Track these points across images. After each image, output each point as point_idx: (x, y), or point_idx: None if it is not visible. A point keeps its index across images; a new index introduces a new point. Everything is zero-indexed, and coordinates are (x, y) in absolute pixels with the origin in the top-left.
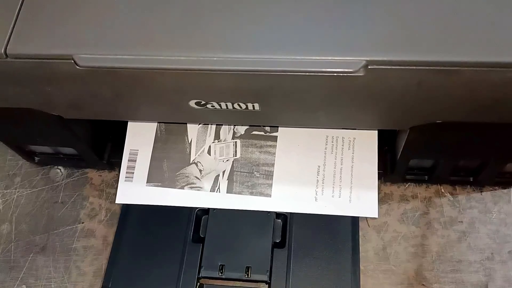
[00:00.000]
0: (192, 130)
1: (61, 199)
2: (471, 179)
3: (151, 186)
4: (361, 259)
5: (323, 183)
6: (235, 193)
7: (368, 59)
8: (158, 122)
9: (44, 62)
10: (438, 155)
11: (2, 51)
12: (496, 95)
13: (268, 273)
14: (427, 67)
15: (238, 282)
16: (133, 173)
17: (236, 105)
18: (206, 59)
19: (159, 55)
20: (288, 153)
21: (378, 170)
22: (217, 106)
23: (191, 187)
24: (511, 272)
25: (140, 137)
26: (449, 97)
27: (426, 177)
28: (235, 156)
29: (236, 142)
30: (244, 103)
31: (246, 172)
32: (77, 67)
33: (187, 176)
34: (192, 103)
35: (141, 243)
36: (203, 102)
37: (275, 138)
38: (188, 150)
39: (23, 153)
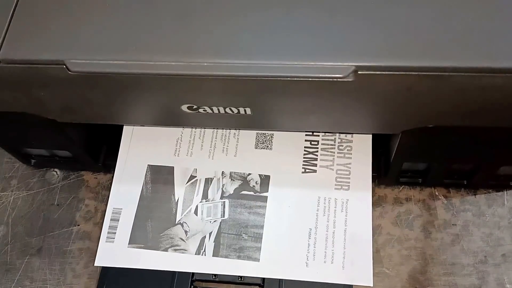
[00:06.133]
0: (179, 188)
1: (57, 201)
2: (465, 182)
3: (133, 247)
4: None
5: (314, 247)
6: (221, 257)
7: (357, 64)
8: (144, 177)
9: (36, 67)
10: (431, 159)
11: None
12: (485, 100)
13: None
14: (416, 73)
15: (232, 284)
16: (115, 233)
17: (228, 110)
18: (196, 65)
19: (150, 60)
20: (278, 215)
21: (372, 173)
22: (209, 111)
23: (175, 249)
24: (504, 275)
25: (124, 195)
26: (439, 102)
27: (420, 180)
28: (223, 216)
29: (224, 202)
30: (236, 108)
31: (234, 234)
32: (69, 72)
33: (172, 238)
34: (184, 107)
35: None
36: (195, 107)
37: (265, 199)
38: (174, 209)
39: (19, 156)
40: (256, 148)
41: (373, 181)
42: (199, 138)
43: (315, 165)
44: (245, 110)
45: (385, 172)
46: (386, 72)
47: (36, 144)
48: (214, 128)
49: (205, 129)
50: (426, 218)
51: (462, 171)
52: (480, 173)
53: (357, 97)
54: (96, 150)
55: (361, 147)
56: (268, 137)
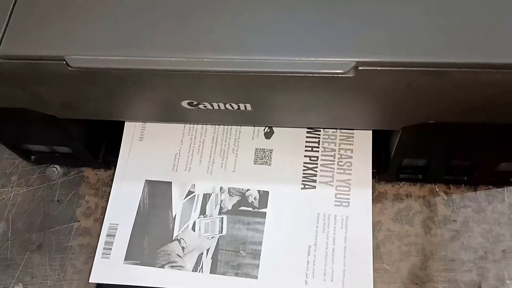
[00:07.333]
0: (177, 204)
1: (57, 198)
2: (465, 178)
3: (129, 264)
4: None
5: (314, 264)
6: (219, 274)
7: (358, 60)
8: (142, 193)
9: (36, 63)
10: (431, 155)
11: None
12: (485, 96)
13: None
14: (416, 68)
15: None
16: (110, 249)
17: (228, 106)
18: (196, 60)
19: (150, 56)
20: (277, 231)
21: (373, 169)
22: (209, 107)
23: (172, 266)
24: (504, 271)
25: (121, 211)
26: (439, 98)
27: (420, 176)
28: (221, 232)
29: (222, 218)
30: (236, 104)
31: (231, 251)
32: (69, 68)
33: (169, 254)
34: (184, 103)
35: None
36: (195, 103)
37: (263, 215)
38: (171, 225)
39: (20, 152)
40: (255, 163)
41: (373, 177)
42: (198, 153)
43: (315, 181)
44: (245, 106)
45: (385, 168)
46: (387, 68)
47: (36, 140)
48: (214, 124)
49: (204, 144)
50: (426, 214)
51: (462, 167)
52: (480, 169)
53: (357, 93)
54: (96, 146)
55: (361, 162)
56: (267, 153)
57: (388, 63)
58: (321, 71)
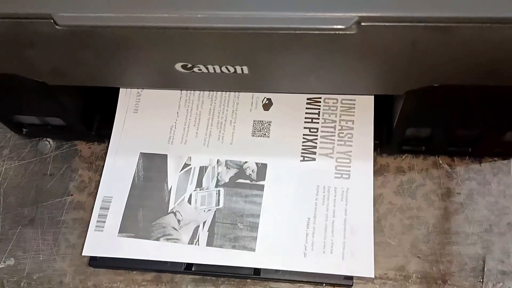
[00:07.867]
0: (173, 177)
1: (50, 171)
2: (470, 149)
3: (123, 237)
4: None
5: (313, 237)
6: (215, 246)
7: (360, 15)
8: (137, 165)
9: (21, 22)
10: (435, 123)
11: None
12: (494, 54)
13: None
14: (422, 24)
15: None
16: (104, 222)
17: (224, 69)
18: (189, 16)
19: (141, 13)
20: (276, 204)
21: (374, 141)
22: (204, 70)
23: (167, 239)
24: (509, 244)
25: (115, 183)
26: (445, 57)
27: (423, 148)
28: (218, 205)
29: (219, 190)
30: (232, 66)
31: (228, 224)
32: (57, 26)
33: (164, 227)
34: (178, 66)
35: None
36: (189, 65)
37: (261, 187)
38: (167, 198)
39: (11, 125)
40: (253, 136)
41: (375, 149)
42: (194, 125)
43: (314, 153)
44: (242, 69)
45: (387, 140)
46: (391, 24)
47: (27, 111)
48: (210, 91)
49: (200, 116)
50: (429, 187)
51: (467, 138)
52: (486, 139)
53: (359, 53)
54: (90, 118)
55: (362, 134)
56: (265, 125)
57: (392, 18)
58: (320, 26)
